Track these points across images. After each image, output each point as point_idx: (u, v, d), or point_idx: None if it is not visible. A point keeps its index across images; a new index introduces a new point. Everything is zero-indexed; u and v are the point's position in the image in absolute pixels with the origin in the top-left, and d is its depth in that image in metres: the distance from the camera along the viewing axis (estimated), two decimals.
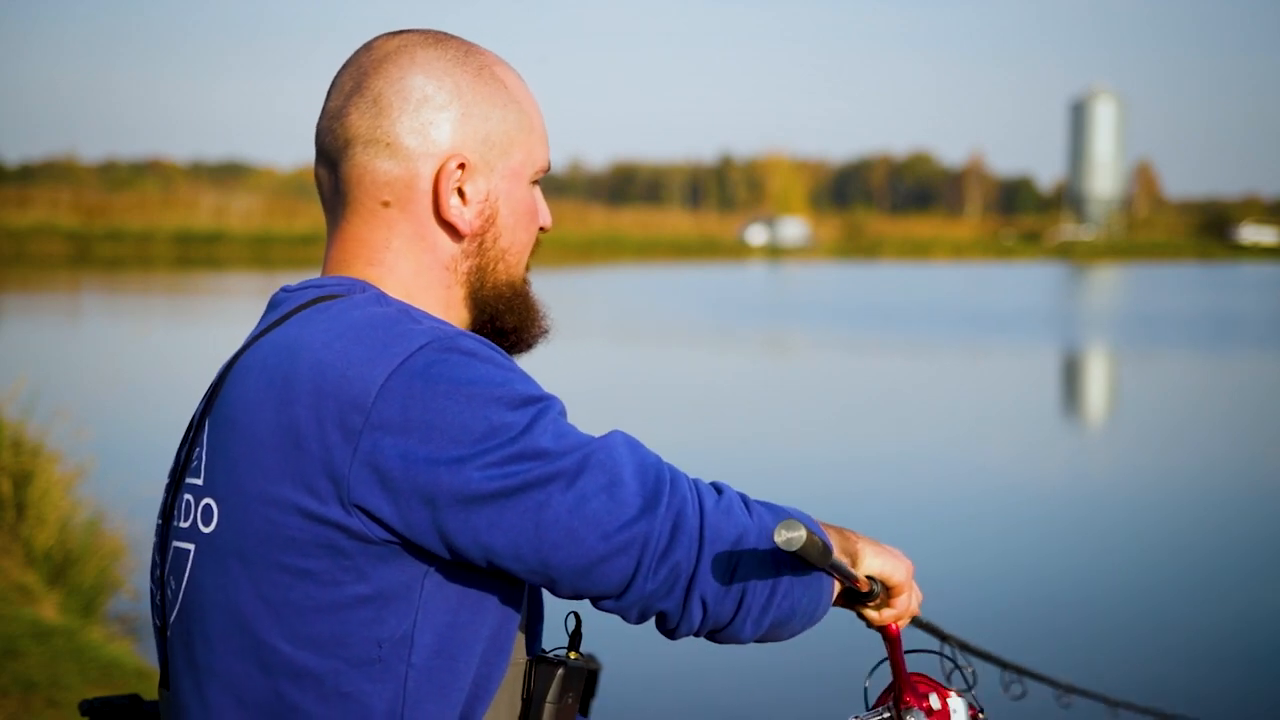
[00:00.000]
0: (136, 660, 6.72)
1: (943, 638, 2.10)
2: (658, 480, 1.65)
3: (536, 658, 1.74)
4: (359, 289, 1.74)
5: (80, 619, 7.37)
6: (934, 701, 1.92)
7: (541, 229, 1.88)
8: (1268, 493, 13.47)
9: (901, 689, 1.92)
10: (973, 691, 1.99)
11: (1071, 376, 25.00)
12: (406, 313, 1.68)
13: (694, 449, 14.64)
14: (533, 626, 1.76)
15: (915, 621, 2.04)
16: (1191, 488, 13.56)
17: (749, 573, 1.68)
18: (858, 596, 1.84)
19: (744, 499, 1.73)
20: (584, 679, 1.74)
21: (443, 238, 1.78)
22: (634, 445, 1.67)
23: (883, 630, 1.91)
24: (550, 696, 1.71)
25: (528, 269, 1.86)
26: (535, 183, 1.85)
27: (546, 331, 1.87)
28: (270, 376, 1.66)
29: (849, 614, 1.92)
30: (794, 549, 1.60)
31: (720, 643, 1.74)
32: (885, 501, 12.31)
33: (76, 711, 3.29)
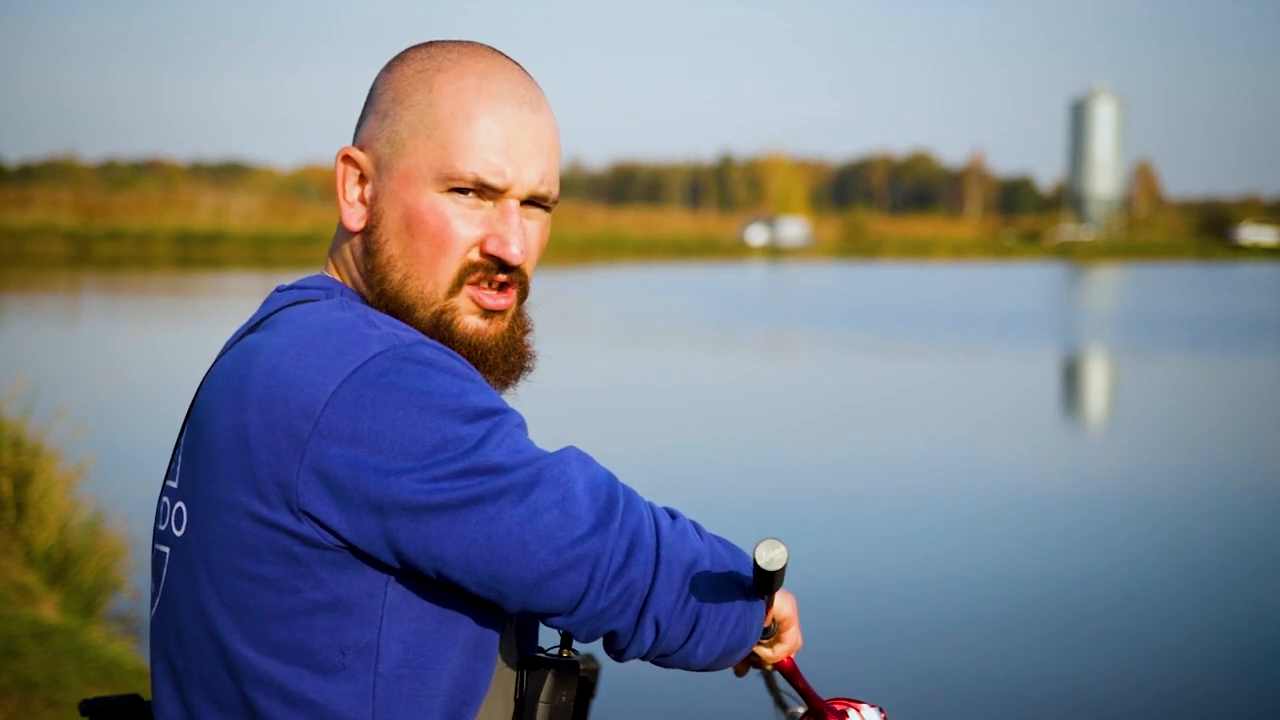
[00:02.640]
0: (136, 660, 6.71)
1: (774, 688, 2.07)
2: (610, 497, 1.63)
3: (528, 658, 1.73)
4: (335, 291, 1.75)
5: (80, 619, 7.37)
6: (853, 717, 1.90)
7: (497, 258, 1.73)
8: (1268, 493, 13.46)
9: (824, 713, 1.90)
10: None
11: (1072, 377, 24.99)
12: (365, 318, 1.67)
13: (694, 449, 14.63)
14: (526, 626, 1.75)
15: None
16: (1192, 488, 13.55)
17: (705, 597, 1.66)
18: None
19: (696, 526, 1.72)
20: (577, 677, 1.73)
21: (344, 231, 1.80)
22: (586, 461, 1.65)
23: (776, 666, 1.89)
24: (543, 696, 1.70)
25: (450, 293, 1.72)
26: (469, 193, 1.72)
27: (504, 379, 1.77)
28: (228, 381, 1.67)
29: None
30: (775, 569, 1.61)
31: (668, 667, 1.71)
32: (885, 503, 12.31)
33: (76, 711, 3.29)
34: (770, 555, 1.60)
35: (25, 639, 6.42)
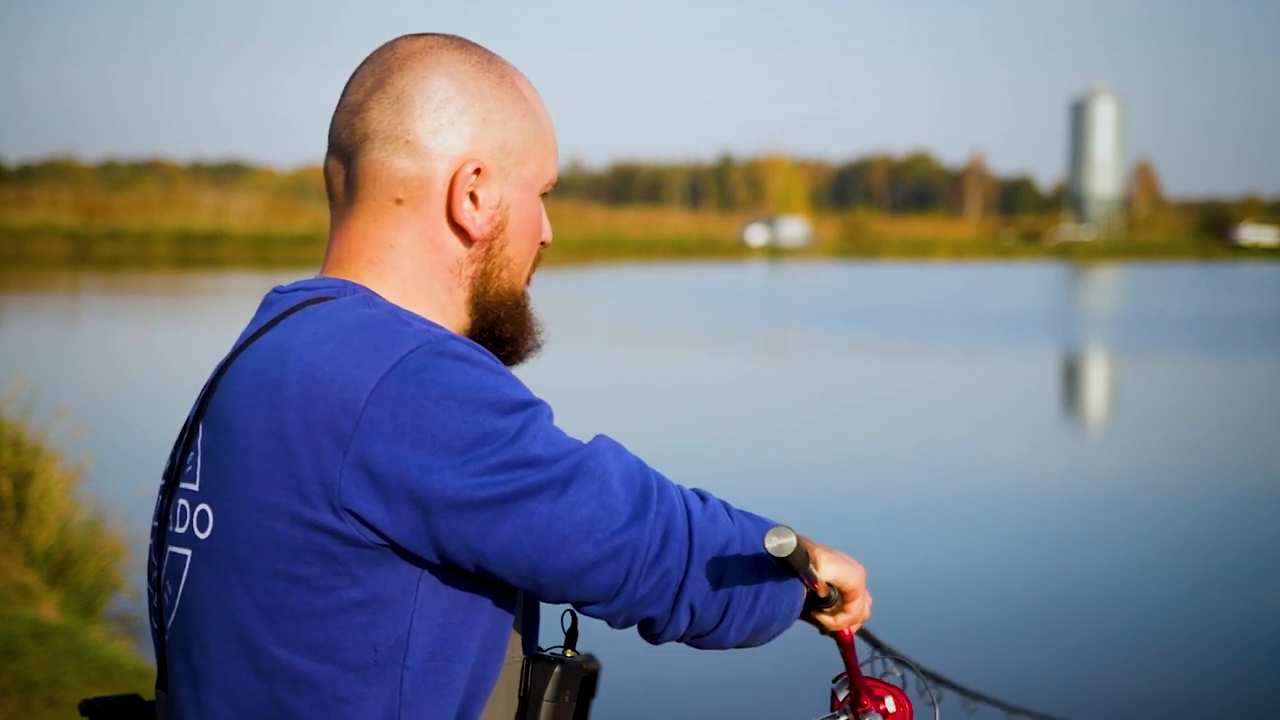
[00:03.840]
0: (136, 660, 6.72)
1: (877, 647, 2.11)
2: (645, 487, 1.66)
3: (533, 656, 1.74)
4: (349, 290, 1.74)
5: (80, 619, 7.37)
6: (889, 704, 1.95)
7: (542, 243, 1.88)
8: (1268, 493, 13.47)
9: (859, 693, 1.94)
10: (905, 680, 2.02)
11: (1071, 377, 25.01)
12: (395, 314, 1.68)
13: (693, 449, 14.64)
14: (529, 625, 1.76)
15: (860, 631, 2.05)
16: (1192, 488, 13.56)
17: (735, 579, 1.71)
18: (815, 602, 1.87)
19: (726, 506, 1.76)
20: (580, 677, 1.75)
21: (451, 240, 1.78)
22: (619, 451, 1.68)
23: (836, 636, 1.93)
24: (547, 694, 1.72)
25: (528, 281, 1.86)
26: (543, 196, 1.86)
27: (540, 346, 1.88)
28: (259, 382, 1.66)
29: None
30: (784, 555, 1.64)
31: (701, 648, 1.76)
32: (885, 503, 12.32)
33: (76, 711, 3.29)
34: (779, 542, 1.64)
35: (25, 639, 6.42)
